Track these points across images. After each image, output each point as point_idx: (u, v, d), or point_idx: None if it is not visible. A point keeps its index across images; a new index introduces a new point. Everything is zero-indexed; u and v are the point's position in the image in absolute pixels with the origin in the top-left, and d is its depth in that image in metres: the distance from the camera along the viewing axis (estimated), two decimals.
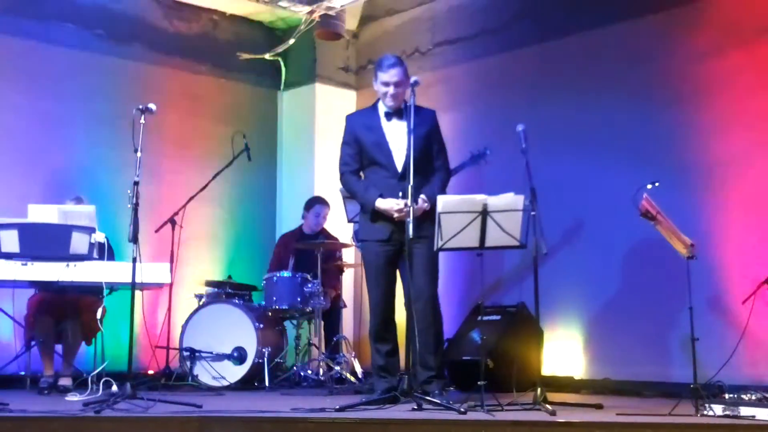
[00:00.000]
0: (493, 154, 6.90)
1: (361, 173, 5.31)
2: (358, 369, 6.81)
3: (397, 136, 5.13)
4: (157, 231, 6.78)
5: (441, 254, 5.08)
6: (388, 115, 5.20)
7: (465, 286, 7.30)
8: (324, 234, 7.40)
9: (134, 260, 4.77)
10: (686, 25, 6.37)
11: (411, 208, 4.66)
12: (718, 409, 4.35)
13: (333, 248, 7.20)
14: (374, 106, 5.29)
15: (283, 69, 8.71)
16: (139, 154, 4.82)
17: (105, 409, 4.22)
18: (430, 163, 5.22)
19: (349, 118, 5.38)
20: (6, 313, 5.99)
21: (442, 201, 4.74)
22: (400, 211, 4.93)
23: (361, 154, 5.23)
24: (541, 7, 7.25)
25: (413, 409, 4.43)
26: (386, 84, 5.13)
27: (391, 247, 5.13)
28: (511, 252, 6.02)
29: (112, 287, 5.63)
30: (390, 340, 5.22)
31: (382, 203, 5.05)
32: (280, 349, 6.85)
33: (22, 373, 6.14)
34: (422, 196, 5.00)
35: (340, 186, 5.88)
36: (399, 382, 4.71)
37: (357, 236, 6.63)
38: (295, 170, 8.59)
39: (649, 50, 6.51)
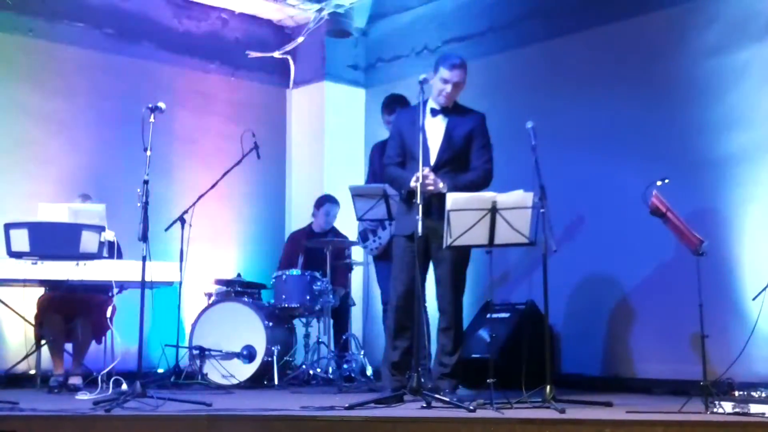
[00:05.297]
0: (502, 152, 6.87)
1: None
2: (368, 367, 6.81)
3: (436, 132, 5.30)
4: (166, 230, 6.79)
5: None
6: (434, 112, 5.35)
7: (474, 284, 7.27)
8: (333, 232, 7.40)
9: (144, 259, 4.78)
10: (696, 21, 6.33)
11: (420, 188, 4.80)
12: (728, 406, 4.33)
13: (342, 246, 7.20)
14: (424, 102, 5.30)
15: (292, 67, 8.71)
16: (148, 152, 4.83)
17: (115, 407, 4.23)
18: (467, 162, 5.33)
19: (397, 114, 5.64)
20: (16, 312, 6.01)
21: (451, 198, 4.74)
22: (423, 178, 4.91)
23: (404, 148, 5.34)
24: (549, 3, 7.22)
25: (422, 407, 4.44)
26: (445, 81, 5.23)
27: (418, 243, 5.12)
28: (520, 249, 6.00)
29: (122, 286, 5.64)
30: (408, 337, 5.24)
31: (413, 180, 5.06)
32: (289, 347, 6.86)
33: (32, 371, 6.17)
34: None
35: (350, 184, 5.87)
36: (408, 381, 4.71)
37: (362, 237, 6.63)
38: (304, 168, 8.58)
39: (659, 46, 6.48)
